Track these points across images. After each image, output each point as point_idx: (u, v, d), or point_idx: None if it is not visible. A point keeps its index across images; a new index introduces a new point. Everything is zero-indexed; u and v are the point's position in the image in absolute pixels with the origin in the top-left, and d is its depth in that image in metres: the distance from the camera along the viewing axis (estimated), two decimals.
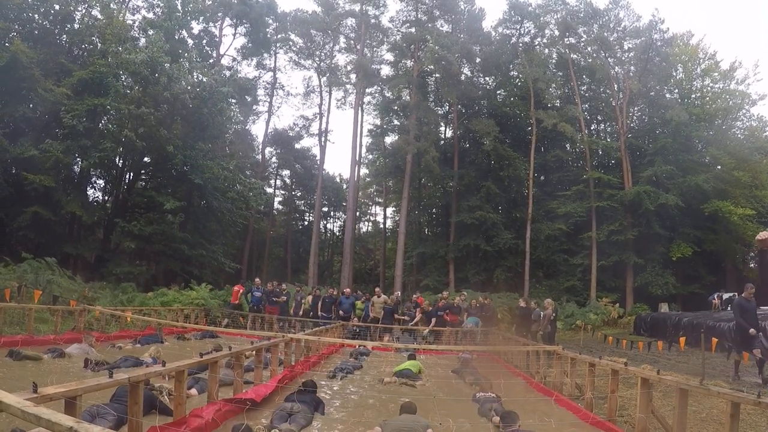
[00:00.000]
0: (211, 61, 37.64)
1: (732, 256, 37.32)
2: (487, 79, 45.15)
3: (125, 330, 16.88)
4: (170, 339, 16.18)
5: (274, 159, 52.26)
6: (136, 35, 31.08)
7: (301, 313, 21.02)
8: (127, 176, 33.56)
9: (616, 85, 40.77)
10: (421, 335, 19.49)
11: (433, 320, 19.71)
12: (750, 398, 5.51)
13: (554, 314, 16.75)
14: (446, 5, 42.42)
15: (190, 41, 36.24)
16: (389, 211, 55.05)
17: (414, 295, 24.00)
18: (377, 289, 23.39)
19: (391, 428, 6.29)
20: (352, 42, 44.94)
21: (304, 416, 7.04)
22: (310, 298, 21.99)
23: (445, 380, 12.17)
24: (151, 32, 29.81)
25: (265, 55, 45.20)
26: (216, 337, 16.59)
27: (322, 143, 45.69)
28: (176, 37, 31.95)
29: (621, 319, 31.52)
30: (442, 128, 46.29)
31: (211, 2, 38.52)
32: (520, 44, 43.28)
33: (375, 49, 45.44)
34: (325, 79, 46.25)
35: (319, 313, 20.79)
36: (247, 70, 45.32)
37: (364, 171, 52.70)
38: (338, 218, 60.69)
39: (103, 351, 12.38)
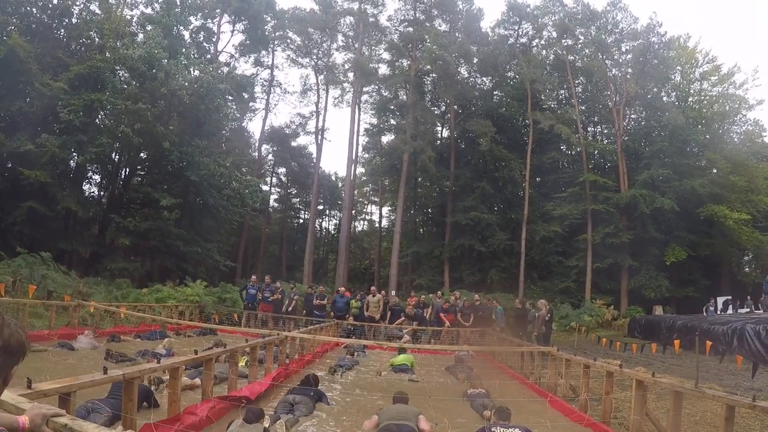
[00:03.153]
0: (208, 57, 37.55)
1: (727, 260, 37.42)
2: (484, 79, 45.16)
3: (120, 326, 16.84)
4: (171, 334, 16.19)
5: (270, 156, 52.23)
6: (134, 31, 30.99)
7: (291, 309, 20.97)
8: (123, 172, 33.50)
9: (613, 87, 40.84)
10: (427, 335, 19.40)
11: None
12: (745, 401, 5.52)
13: (549, 315, 16.77)
14: (445, 5, 42.40)
15: (187, 37, 36.15)
16: (385, 210, 55.16)
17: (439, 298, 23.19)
18: (372, 288, 23.33)
19: (387, 416, 6.67)
20: (349, 40, 44.87)
21: (306, 407, 7.43)
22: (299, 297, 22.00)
23: (439, 379, 12.19)
24: (149, 28, 29.74)
25: (263, 52, 45.17)
26: (215, 334, 16.57)
27: (319, 141, 45.79)
28: (174, 33, 31.86)
29: (615, 321, 31.55)
30: (439, 128, 46.35)
31: None
32: (518, 45, 43.30)
33: (373, 47, 45.40)
34: (322, 77, 46.25)
35: (303, 311, 20.82)
36: (245, 67, 45.20)
37: (360, 170, 52.49)
38: (334, 217, 60.66)
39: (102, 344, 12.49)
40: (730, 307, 28.15)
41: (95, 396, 6.05)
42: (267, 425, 6.29)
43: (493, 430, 6.24)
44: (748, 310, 26.59)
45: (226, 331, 16.31)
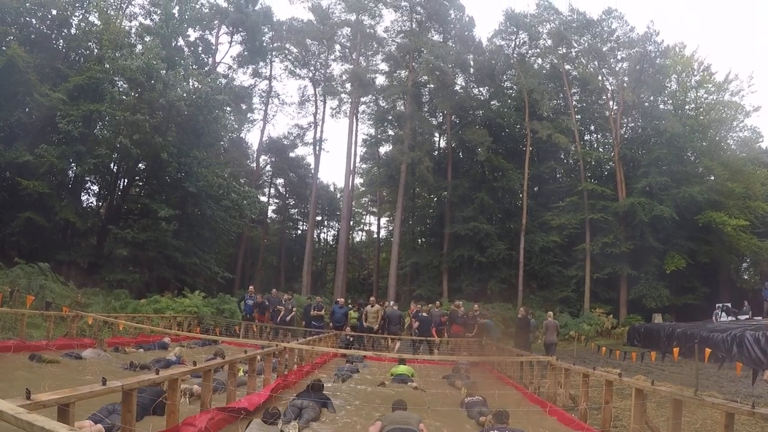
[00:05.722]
0: (206, 68, 37.64)
1: (726, 267, 37.34)
2: (481, 89, 45.20)
3: (118, 337, 16.79)
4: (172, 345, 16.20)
5: (268, 167, 52.24)
6: (133, 42, 31.03)
7: (288, 319, 20.93)
8: (122, 183, 33.52)
9: (609, 94, 40.91)
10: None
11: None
12: (744, 409, 5.52)
13: (555, 323, 16.85)
14: (438, 15, 42.43)
15: (186, 48, 36.25)
16: (383, 220, 55.22)
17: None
18: (372, 299, 23.25)
19: (389, 420, 6.93)
20: (347, 51, 45.03)
21: (313, 411, 7.75)
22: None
23: (438, 388, 12.17)
24: (147, 39, 29.81)
25: (261, 63, 45.30)
26: (217, 344, 16.55)
27: (317, 152, 45.83)
28: (173, 44, 31.98)
29: (615, 330, 31.51)
30: (437, 138, 46.37)
31: (207, 10, 38.65)
32: (515, 55, 43.36)
33: (370, 58, 45.47)
34: (320, 88, 46.31)
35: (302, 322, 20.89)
36: (243, 78, 45.41)
37: (358, 180, 52.66)
38: (332, 227, 60.58)
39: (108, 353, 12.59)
40: (728, 312, 28.13)
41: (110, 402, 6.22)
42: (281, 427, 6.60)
43: None
44: (747, 316, 26.58)
45: (225, 342, 16.29)
